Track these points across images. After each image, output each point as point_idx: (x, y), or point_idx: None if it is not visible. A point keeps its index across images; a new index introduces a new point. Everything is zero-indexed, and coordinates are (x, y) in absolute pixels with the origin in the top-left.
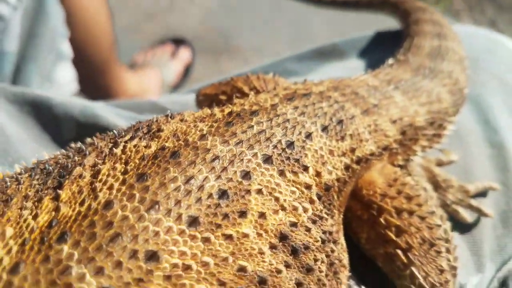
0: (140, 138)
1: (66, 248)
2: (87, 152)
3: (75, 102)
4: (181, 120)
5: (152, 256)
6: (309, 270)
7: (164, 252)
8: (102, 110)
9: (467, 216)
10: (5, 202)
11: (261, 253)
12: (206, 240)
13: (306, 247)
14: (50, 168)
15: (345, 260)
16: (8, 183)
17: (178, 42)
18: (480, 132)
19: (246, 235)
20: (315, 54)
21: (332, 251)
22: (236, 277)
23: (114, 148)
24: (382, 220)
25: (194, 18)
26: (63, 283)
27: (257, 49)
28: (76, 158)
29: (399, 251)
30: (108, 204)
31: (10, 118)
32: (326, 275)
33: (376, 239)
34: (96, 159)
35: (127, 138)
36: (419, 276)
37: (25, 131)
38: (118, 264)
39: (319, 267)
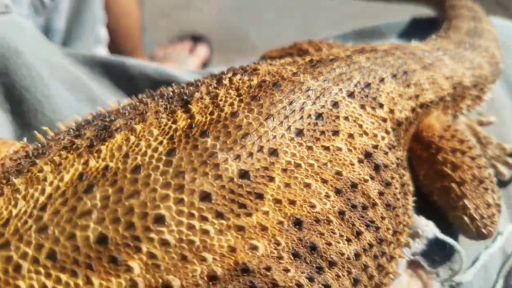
0: (242, 74)
1: (209, 140)
2: (199, 84)
3: (146, 63)
4: (270, 64)
5: (273, 152)
6: (387, 184)
7: (281, 151)
8: (173, 71)
9: (505, 171)
10: (141, 115)
11: (352, 164)
12: (309, 148)
13: (385, 166)
14: (171, 93)
15: (411, 187)
16: (135, 104)
17: (196, 39)
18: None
19: (339, 149)
20: (357, 35)
21: (403, 175)
22: (334, 178)
23: (222, 80)
24: (439, 157)
25: (209, 15)
26: (212, 163)
27: (271, 46)
28: (190, 88)
29: (454, 185)
30: (234, 114)
31: (70, 86)
32: (399, 193)
33: (434, 175)
34: (209, 88)
35: (229, 75)
36: (470, 207)
37: (102, 89)
38: (250, 155)
39: (394, 185)
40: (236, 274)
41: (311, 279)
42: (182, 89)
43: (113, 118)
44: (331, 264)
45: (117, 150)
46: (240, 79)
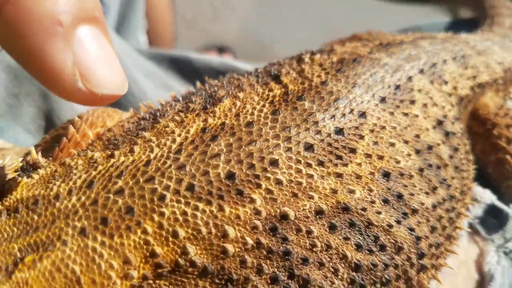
0: (321, 54)
1: (306, 103)
2: (281, 63)
3: (210, 57)
4: (343, 46)
5: (362, 115)
6: (455, 149)
7: (368, 114)
8: (235, 62)
9: None
10: (239, 87)
11: (427, 129)
12: (391, 113)
13: (453, 133)
14: (258, 72)
15: (471, 156)
16: (229, 80)
17: (222, 49)
18: None
19: (416, 116)
20: (402, 32)
21: (466, 143)
22: (413, 140)
23: (303, 59)
24: (495, 132)
25: (234, 26)
26: (312, 121)
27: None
28: (274, 66)
29: (508, 156)
30: (324, 83)
31: (146, 74)
32: (464, 159)
33: (489, 149)
34: (292, 66)
35: (308, 55)
36: None
37: (171, 78)
38: (343, 115)
39: (460, 151)
40: (338, 211)
41: (398, 222)
42: (266, 68)
43: (216, 89)
44: (414, 211)
45: (228, 111)
46: (320, 57)
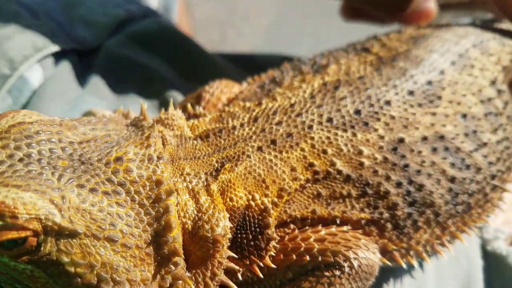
0: (391, 34)
1: (400, 63)
2: (357, 43)
3: (271, 53)
4: (379, 41)
5: (441, 72)
6: (506, 103)
7: (445, 71)
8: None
9: None
10: (334, 58)
11: (485, 86)
12: (459, 73)
13: (503, 91)
14: (343, 49)
15: None
16: (323, 54)
17: None
18: None
19: (476, 76)
20: None
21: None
22: (477, 93)
23: (381, 38)
24: None
25: (243, 49)
26: (409, 75)
27: None
28: (353, 46)
29: None
30: (408, 50)
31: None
32: None
33: None
34: (375, 42)
35: (382, 36)
36: None
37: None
38: (430, 71)
39: (509, 105)
40: (436, 139)
41: (476, 150)
42: (346, 48)
43: (315, 61)
44: (484, 144)
45: (338, 72)
46: (394, 36)
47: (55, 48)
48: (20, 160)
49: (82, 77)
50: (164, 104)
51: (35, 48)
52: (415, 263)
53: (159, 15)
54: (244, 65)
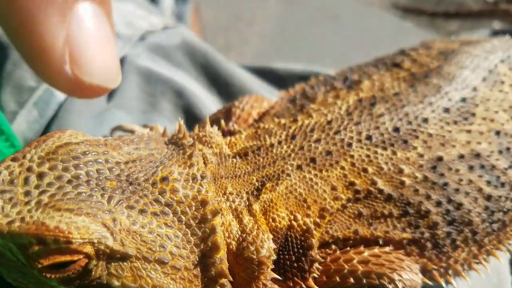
0: (420, 49)
1: (433, 80)
2: (385, 58)
3: (292, 65)
4: (408, 55)
5: (474, 89)
6: None
7: (477, 87)
8: (315, 68)
9: None
10: (365, 74)
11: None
12: (490, 90)
13: None
14: (372, 64)
15: None
16: (353, 69)
17: None
18: None
19: (507, 92)
20: None
21: None
22: (509, 109)
23: (410, 53)
24: None
25: (247, 56)
26: (443, 92)
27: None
28: (381, 61)
29: None
30: (440, 66)
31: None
32: None
33: None
34: (404, 57)
35: (411, 51)
36: None
37: (261, 85)
38: (464, 88)
39: None
40: (472, 157)
41: (510, 167)
42: (374, 63)
43: (348, 76)
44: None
45: (372, 88)
46: (423, 51)
47: None
48: (69, 182)
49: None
50: (191, 118)
51: None
52: (453, 282)
53: (179, 26)
54: (266, 77)
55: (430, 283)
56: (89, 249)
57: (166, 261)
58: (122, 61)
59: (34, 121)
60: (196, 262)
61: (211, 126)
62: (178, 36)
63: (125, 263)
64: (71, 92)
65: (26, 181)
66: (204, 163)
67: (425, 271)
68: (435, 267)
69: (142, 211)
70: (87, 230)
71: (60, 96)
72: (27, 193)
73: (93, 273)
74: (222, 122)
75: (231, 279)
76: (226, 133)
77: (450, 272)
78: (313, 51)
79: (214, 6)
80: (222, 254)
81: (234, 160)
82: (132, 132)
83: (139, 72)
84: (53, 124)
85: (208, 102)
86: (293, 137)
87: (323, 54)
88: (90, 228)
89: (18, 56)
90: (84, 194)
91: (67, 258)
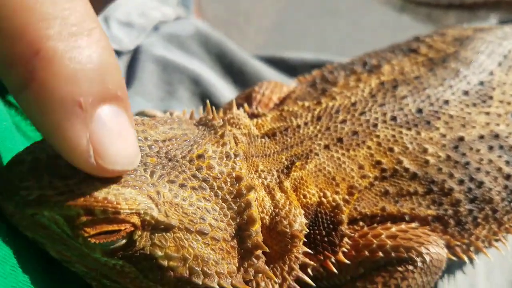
0: (434, 36)
1: (451, 64)
2: (403, 44)
3: (304, 54)
4: (424, 42)
5: (491, 73)
6: None
7: (494, 71)
8: (327, 57)
9: None
10: (384, 59)
11: None
12: (506, 74)
13: None
14: (389, 50)
15: None
16: (371, 55)
17: None
18: None
19: None
20: None
21: None
22: None
23: (425, 39)
24: None
25: (246, 51)
26: (462, 76)
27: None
28: (398, 47)
29: None
30: (456, 52)
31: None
32: None
33: None
34: (419, 44)
35: (426, 38)
36: None
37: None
38: (481, 72)
39: None
40: (492, 137)
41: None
42: (392, 49)
43: (367, 61)
44: None
45: (392, 72)
46: (438, 38)
47: None
48: None
49: (124, 78)
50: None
51: None
52: (475, 258)
53: (191, 16)
54: (278, 66)
55: (454, 258)
56: (135, 219)
57: (206, 232)
58: (138, 50)
59: None
60: (233, 235)
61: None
62: (191, 26)
63: (168, 234)
64: (99, 175)
65: None
66: (236, 143)
67: (448, 247)
68: (457, 243)
69: (182, 186)
70: (134, 201)
71: None
72: (73, 168)
73: (137, 243)
74: (246, 105)
75: (267, 249)
76: (250, 116)
77: (471, 248)
78: (312, 45)
79: (213, 0)
80: (257, 227)
81: (263, 140)
82: (154, 117)
83: (156, 60)
84: None
85: (224, 90)
86: (319, 118)
87: (323, 48)
88: (137, 199)
89: None
90: None
91: (114, 227)
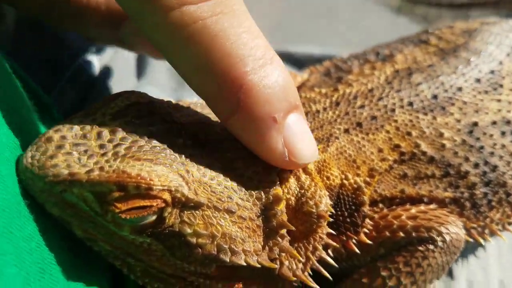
0: (443, 28)
1: (462, 53)
2: (413, 36)
3: (310, 48)
4: (435, 34)
5: (500, 63)
6: None
7: (503, 61)
8: (332, 50)
9: None
10: (396, 49)
11: None
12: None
13: None
14: (401, 42)
15: None
16: (384, 47)
17: None
18: None
19: None
20: None
21: None
22: None
23: (434, 31)
24: None
25: None
26: (473, 64)
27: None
28: (408, 39)
29: None
30: (466, 42)
31: None
32: None
33: None
34: (429, 36)
35: (435, 30)
36: None
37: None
38: (491, 61)
39: None
40: (504, 123)
41: None
42: (403, 41)
43: (380, 51)
44: None
45: (405, 61)
46: (446, 30)
47: None
48: (142, 137)
49: (135, 68)
50: None
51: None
52: (491, 240)
53: None
54: (285, 61)
55: (470, 239)
56: (167, 196)
57: (233, 210)
58: None
59: (69, 99)
60: (258, 214)
61: None
62: None
63: (197, 212)
64: (287, 168)
65: (99, 135)
66: None
67: (464, 229)
68: (473, 225)
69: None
70: (166, 178)
71: (93, 73)
72: (101, 146)
73: (167, 220)
74: None
75: (292, 228)
76: None
77: (486, 231)
78: (310, 46)
79: None
80: (282, 206)
81: None
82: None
83: None
84: (92, 92)
85: None
86: (337, 104)
87: (322, 51)
88: (169, 177)
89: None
90: (158, 147)
91: (146, 202)
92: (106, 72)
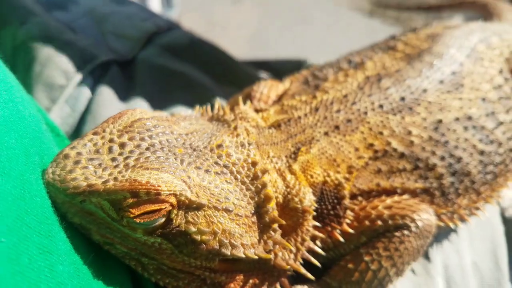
0: (408, 34)
1: (426, 58)
2: (380, 43)
3: (285, 57)
4: (401, 40)
5: (461, 64)
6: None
7: (463, 63)
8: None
9: None
10: (365, 56)
11: (495, 75)
12: (473, 64)
13: (509, 79)
14: (369, 49)
15: None
16: (353, 54)
17: None
18: None
19: (486, 67)
20: None
21: None
22: (490, 81)
23: (401, 37)
24: None
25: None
26: (436, 67)
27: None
28: (376, 46)
29: None
30: (430, 47)
31: None
32: None
33: None
34: (395, 42)
35: (402, 36)
36: None
37: (263, 76)
38: (452, 64)
39: None
40: (466, 119)
41: (495, 128)
42: (372, 48)
43: (351, 59)
44: (500, 123)
45: (374, 68)
46: (411, 35)
47: (101, 58)
48: (147, 149)
49: (125, 87)
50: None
51: (84, 60)
52: (460, 224)
53: (182, 27)
54: (265, 69)
55: (442, 224)
56: (173, 199)
57: (231, 209)
58: (136, 60)
59: (68, 116)
60: (252, 212)
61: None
62: (185, 37)
63: (199, 212)
64: None
65: (110, 150)
66: (247, 134)
67: (435, 215)
68: (443, 211)
69: (207, 171)
70: (171, 183)
71: (87, 92)
72: (113, 159)
73: (174, 221)
74: (249, 102)
75: (283, 222)
76: (254, 111)
77: (455, 216)
78: (289, 52)
79: (189, 12)
80: (273, 204)
81: (270, 130)
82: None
83: (154, 69)
84: (87, 116)
85: (217, 92)
86: (317, 109)
87: (299, 58)
88: (174, 182)
89: (45, 57)
90: (162, 157)
91: (156, 207)
92: (103, 88)
